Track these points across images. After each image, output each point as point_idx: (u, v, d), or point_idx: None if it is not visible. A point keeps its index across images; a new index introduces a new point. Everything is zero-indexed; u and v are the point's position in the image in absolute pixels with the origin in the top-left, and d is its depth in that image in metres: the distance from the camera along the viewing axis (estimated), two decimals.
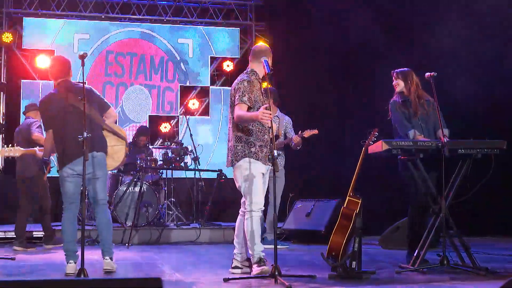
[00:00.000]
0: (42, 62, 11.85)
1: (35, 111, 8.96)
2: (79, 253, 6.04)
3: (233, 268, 6.14)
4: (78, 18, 12.33)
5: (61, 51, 12.08)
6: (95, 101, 6.34)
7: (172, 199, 10.67)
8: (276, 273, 5.41)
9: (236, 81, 6.14)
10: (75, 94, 6.18)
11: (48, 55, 11.97)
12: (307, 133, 8.81)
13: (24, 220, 8.82)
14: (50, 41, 12.12)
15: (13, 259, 7.28)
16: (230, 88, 12.30)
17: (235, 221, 11.06)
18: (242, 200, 6.26)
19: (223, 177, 10.46)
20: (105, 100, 6.55)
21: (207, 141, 12.35)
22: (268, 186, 6.27)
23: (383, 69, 10.94)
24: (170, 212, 10.55)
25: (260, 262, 5.83)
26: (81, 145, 5.68)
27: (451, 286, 5.33)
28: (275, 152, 5.50)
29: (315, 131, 8.83)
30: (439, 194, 6.22)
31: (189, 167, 10.57)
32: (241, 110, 5.85)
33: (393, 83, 6.88)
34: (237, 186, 6.09)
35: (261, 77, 6.25)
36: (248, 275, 5.83)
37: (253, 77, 6.15)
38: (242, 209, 6.24)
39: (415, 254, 6.26)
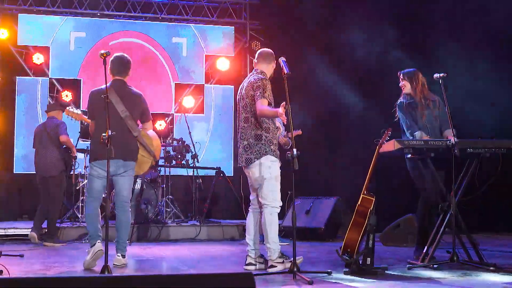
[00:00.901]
0: (38, 59, 11.82)
1: (58, 111, 9.07)
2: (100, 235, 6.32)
3: (247, 264, 6.23)
4: (73, 15, 12.29)
5: (57, 48, 12.11)
6: (138, 109, 6.50)
7: (170, 197, 10.74)
8: (295, 269, 5.53)
9: (251, 80, 6.21)
10: (120, 96, 6.34)
11: (43, 52, 11.97)
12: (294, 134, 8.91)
13: (43, 217, 8.99)
14: (46, 38, 12.08)
15: (21, 256, 7.29)
16: (224, 86, 12.66)
17: (232, 219, 11.26)
18: (251, 197, 6.36)
19: (222, 175, 10.55)
20: (149, 112, 6.66)
21: (202, 138, 12.38)
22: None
23: (379, 69, 11.17)
24: (168, 209, 10.62)
25: (283, 256, 5.96)
26: (118, 148, 5.96)
27: (468, 281, 5.48)
28: (295, 151, 5.60)
29: (299, 132, 8.99)
30: (448, 191, 6.39)
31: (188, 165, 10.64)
32: (263, 105, 5.97)
33: (400, 84, 7.01)
34: (255, 184, 6.16)
35: (268, 78, 6.35)
36: (266, 271, 5.93)
37: (266, 77, 6.27)
38: (253, 206, 6.33)
39: (424, 251, 6.42)
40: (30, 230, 8.97)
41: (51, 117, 9.02)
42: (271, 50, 6.55)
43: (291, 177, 5.79)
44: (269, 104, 6.06)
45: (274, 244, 6.00)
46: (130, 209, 6.62)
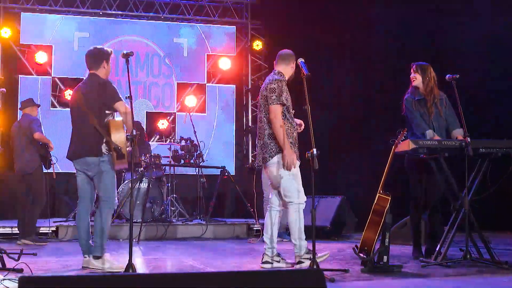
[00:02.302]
0: (41, 57, 11.83)
1: (32, 107, 9.04)
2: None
3: (264, 263, 6.28)
4: (75, 14, 12.31)
5: (60, 47, 12.11)
6: (104, 97, 6.08)
7: (174, 195, 10.78)
8: (315, 266, 5.60)
9: (266, 81, 6.28)
10: (86, 91, 6.16)
11: (45, 50, 11.98)
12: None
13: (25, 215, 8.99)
14: (48, 36, 12.09)
15: (35, 254, 7.32)
16: (225, 85, 12.72)
17: (236, 217, 11.32)
18: (269, 196, 6.41)
19: (226, 174, 10.60)
20: (115, 93, 6.12)
21: (203, 137, 12.40)
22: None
23: (381, 67, 11.26)
24: (173, 208, 10.66)
25: (310, 252, 6.02)
26: (77, 146, 6.02)
27: (484, 279, 5.58)
28: (314, 151, 5.67)
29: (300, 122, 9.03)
30: (460, 191, 6.49)
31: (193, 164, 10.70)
32: (278, 116, 6.09)
33: (411, 75, 7.00)
34: (275, 183, 6.20)
35: (287, 79, 6.38)
36: (294, 268, 5.99)
37: (282, 78, 6.32)
38: (271, 205, 6.38)
39: (437, 249, 6.51)
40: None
41: (25, 114, 9.01)
42: (290, 51, 6.50)
43: (310, 177, 5.84)
44: (284, 106, 6.13)
45: (301, 240, 6.09)
46: (107, 211, 6.14)
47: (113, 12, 12.47)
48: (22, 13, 12.01)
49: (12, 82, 11.92)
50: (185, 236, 9.90)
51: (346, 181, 11.46)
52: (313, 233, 5.70)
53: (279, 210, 6.33)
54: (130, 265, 5.35)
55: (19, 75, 11.99)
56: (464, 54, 10.17)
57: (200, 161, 10.69)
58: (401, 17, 11.03)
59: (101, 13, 12.41)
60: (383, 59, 11.27)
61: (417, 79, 6.97)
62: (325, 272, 5.53)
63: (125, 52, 5.79)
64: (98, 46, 6.40)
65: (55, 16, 12.22)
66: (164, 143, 11.95)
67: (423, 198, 7.02)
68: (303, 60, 6.10)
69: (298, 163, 6.23)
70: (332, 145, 11.87)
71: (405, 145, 6.33)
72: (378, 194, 6.15)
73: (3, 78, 11.91)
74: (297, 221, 6.09)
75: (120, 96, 6.13)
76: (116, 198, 6.21)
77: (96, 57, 6.27)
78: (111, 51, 6.40)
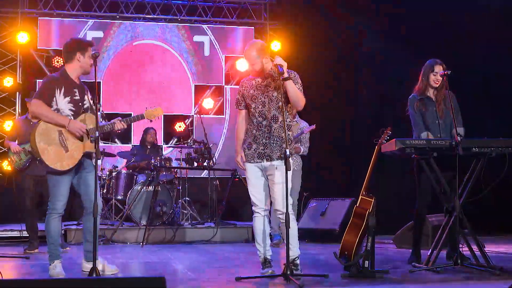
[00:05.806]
0: (58, 62, 11.91)
1: None
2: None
3: None
4: (93, 18, 12.36)
5: None
6: None
7: (187, 198, 10.70)
8: (288, 272, 5.39)
9: None
10: None
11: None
12: (307, 131, 8.90)
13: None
14: (66, 41, 12.07)
15: (27, 257, 7.33)
16: None
17: (248, 221, 11.16)
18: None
19: (237, 176, 10.46)
20: (38, 91, 5.99)
21: (222, 140, 12.31)
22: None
23: (393, 71, 11.00)
24: (185, 211, 10.57)
25: (265, 263, 5.82)
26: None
27: (464, 285, 5.30)
28: (287, 151, 5.45)
29: (313, 127, 8.91)
30: (453, 193, 6.18)
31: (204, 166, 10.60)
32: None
33: (440, 73, 6.54)
34: None
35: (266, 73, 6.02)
36: (259, 275, 5.80)
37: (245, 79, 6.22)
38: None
39: (428, 253, 6.25)
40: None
41: None
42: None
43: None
44: (250, 107, 6.14)
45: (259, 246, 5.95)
46: (47, 215, 5.92)
47: (130, 15, 12.47)
48: (39, 18, 12.09)
49: (30, 87, 12.02)
50: (194, 239, 9.77)
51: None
52: (287, 235, 5.51)
53: (266, 214, 6.05)
54: (94, 269, 5.23)
55: (37, 80, 12.05)
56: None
57: (212, 164, 10.56)
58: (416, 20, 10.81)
59: (118, 16, 12.42)
60: (400, 64, 10.97)
61: (439, 81, 6.60)
62: (297, 278, 5.35)
63: (92, 52, 5.73)
64: (76, 37, 6.21)
65: (73, 20, 12.28)
66: (181, 145, 11.85)
67: (428, 200, 6.74)
68: (280, 58, 5.86)
69: (260, 165, 5.87)
70: (345, 147, 11.67)
71: (391, 145, 6.06)
72: (360, 196, 5.90)
73: (21, 83, 12.04)
74: (252, 227, 5.98)
75: (43, 94, 5.80)
76: (59, 202, 5.85)
77: (68, 49, 5.97)
78: (91, 42, 6.03)
